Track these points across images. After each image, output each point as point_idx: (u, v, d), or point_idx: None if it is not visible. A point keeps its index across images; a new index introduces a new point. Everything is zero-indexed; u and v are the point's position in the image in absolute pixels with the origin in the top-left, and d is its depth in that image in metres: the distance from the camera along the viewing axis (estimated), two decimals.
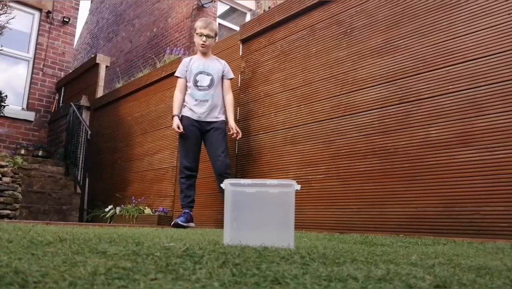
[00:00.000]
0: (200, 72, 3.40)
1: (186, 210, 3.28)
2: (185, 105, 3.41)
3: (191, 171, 3.33)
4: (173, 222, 3.26)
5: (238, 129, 3.39)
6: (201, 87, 3.36)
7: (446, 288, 0.70)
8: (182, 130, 3.32)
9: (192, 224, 3.30)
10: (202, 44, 3.42)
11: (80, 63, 9.60)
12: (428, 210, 2.39)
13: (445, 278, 0.78)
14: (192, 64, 3.45)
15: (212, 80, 3.38)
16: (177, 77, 3.50)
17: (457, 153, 2.32)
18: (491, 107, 2.23)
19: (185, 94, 3.44)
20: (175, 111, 3.40)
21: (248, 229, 1.37)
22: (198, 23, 3.48)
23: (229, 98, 3.45)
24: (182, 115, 3.40)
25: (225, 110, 3.48)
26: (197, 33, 3.46)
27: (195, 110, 3.34)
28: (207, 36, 3.41)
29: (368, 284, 0.69)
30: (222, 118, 3.39)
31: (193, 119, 3.34)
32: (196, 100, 3.35)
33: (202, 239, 1.62)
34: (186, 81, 3.45)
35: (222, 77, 3.46)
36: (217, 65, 3.47)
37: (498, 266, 0.99)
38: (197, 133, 3.35)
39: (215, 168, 3.31)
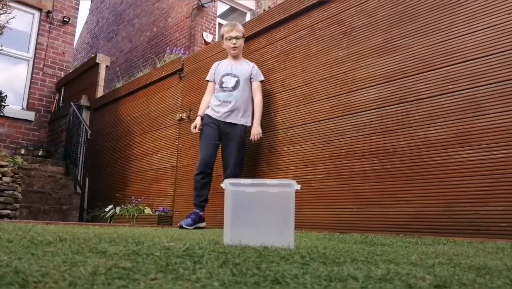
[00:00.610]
0: (227, 74, 3.39)
1: (196, 210, 3.24)
2: (209, 106, 3.42)
3: (207, 169, 3.28)
4: (179, 224, 3.20)
5: (257, 136, 3.30)
6: (226, 88, 3.35)
7: (446, 288, 0.70)
8: (197, 130, 3.35)
9: (202, 224, 3.25)
10: (233, 47, 3.40)
11: (80, 63, 9.61)
12: (428, 209, 2.39)
13: (445, 278, 0.78)
14: (220, 67, 3.46)
15: (237, 82, 3.34)
16: (207, 80, 3.52)
17: (456, 153, 2.32)
18: (490, 107, 2.23)
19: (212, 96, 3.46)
20: (199, 112, 3.45)
21: (248, 229, 1.37)
22: (224, 29, 3.47)
23: (257, 100, 3.39)
24: (205, 114, 3.40)
25: (252, 114, 3.41)
26: (226, 38, 3.43)
27: (217, 109, 3.32)
28: (236, 37, 3.40)
29: (368, 284, 0.70)
30: (243, 122, 3.32)
31: (214, 118, 3.33)
32: (219, 100, 3.34)
33: (202, 239, 1.62)
34: (215, 84, 3.46)
35: (251, 79, 3.42)
36: (245, 67, 3.43)
37: (498, 266, 0.99)
38: (217, 132, 3.32)
39: (225, 174, 3.33)
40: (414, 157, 2.51)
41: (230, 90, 3.33)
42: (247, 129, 3.37)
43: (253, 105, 3.41)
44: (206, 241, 1.44)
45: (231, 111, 3.30)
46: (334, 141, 2.98)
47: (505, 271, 0.90)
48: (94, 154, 5.89)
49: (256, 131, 3.30)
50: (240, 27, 3.47)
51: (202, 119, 3.38)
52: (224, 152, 3.34)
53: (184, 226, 3.09)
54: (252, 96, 3.42)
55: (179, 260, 0.89)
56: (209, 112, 3.37)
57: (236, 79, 3.36)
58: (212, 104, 3.37)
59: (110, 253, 0.96)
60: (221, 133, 3.32)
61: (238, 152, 3.30)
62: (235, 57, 3.47)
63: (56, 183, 5.65)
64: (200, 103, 3.59)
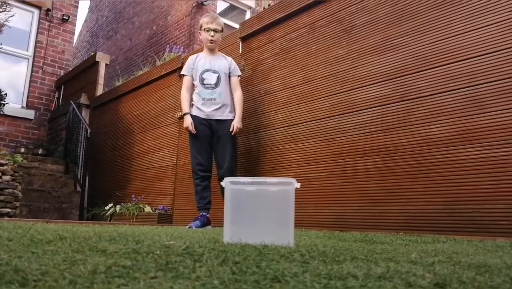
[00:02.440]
0: (207, 70, 3.31)
1: (203, 213, 3.19)
2: (193, 104, 3.33)
3: (205, 171, 3.23)
4: (187, 226, 3.11)
5: (238, 127, 3.26)
6: (208, 85, 3.28)
7: (446, 286, 0.70)
8: (194, 130, 3.22)
9: (209, 227, 3.18)
10: (211, 39, 3.33)
11: (80, 61, 9.60)
12: (428, 208, 2.39)
13: (445, 276, 0.78)
14: (198, 62, 3.37)
15: (218, 78, 3.29)
16: (183, 75, 3.42)
17: (458, 151, 2.32)
18: (492, 105, 2.23)
19: (192, 92, 3.36)
20: (185, 109, 3.30)
21: (248, 227, 1.37)
22: (204, 19, 3.40)
23: (237, 95, 3.35)
24: (191, 114, 3.30)
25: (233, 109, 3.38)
26: (204, 29, 3.36)
27: (203, 109, 3.26)
28: (215, 30, 3.32)
29: (368, 282, 0.69)
30: (232, 116, 3.30)
31: (202, 118, 3.25)
32: (203, 98, 3.26)
33: (202, 237, 1.62)
34: (193, 79, 3.37)
35: (230, 75, 3.37)
36: (223, 62, 3.38)
37: (498, 264, 0.99)
38: (208, 131, 3.26)
39: (219, 172, 3.26)
40: (416, 155, 2.51)
41: (213, 87, 3.28)
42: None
43: (232, 100, 3.37)
44: (206, 240, 1.44)
45: (218, 108, 3.26)
46: (336, 139, 2.98)
47: (505, 269, 0.90)
48: (94, 153, 5.90)
49: (238, 124, 3.26)
50: (220, 21, 3.41)
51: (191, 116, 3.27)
52: (217, 149, 3.28)
53: (194, 228, 3.01)
54: (231, 91, 3.37)
55: (179, 258, 0.89)
56: (195, 112, 3.28)
57: (216, 75, 3.30)
58: (197, 103, 3.29)
59: (110, 252, 0.96)
60: (212, 130, 3.27)
61: (231, 147, 3.26)
62: (212, 50, 3.40)
63: (56, 181, 5.65)
64: None
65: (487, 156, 2.20)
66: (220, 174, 3.23)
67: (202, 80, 3.30)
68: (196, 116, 3.28)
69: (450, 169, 2.33)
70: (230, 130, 3.25)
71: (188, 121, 3.26)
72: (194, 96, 3.35)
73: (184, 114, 3.31)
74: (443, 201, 2.33)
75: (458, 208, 2.27)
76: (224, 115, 3.29)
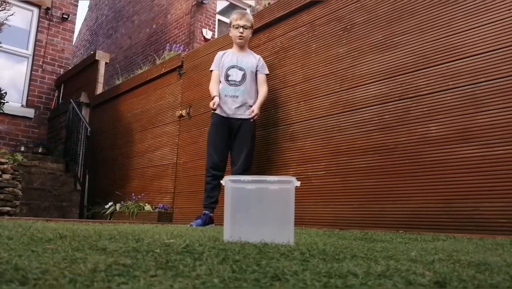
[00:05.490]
0: (232, 67, 3.26)
1: (206, 212, 3.16)
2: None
3: (219, 170, 3.19)
4: (189, 225, 3.08)
5: (256, 113, 3.16)
6: (232, 82, 3.23)
7: (446, 284, 0.70)
8: (216, 106, 3.13)
9: (211, 226, 3.13)
10: (240, 36, 3.28)
11: (80, 60, 9.59)
12: (428, 206, 2.39)
13: (445, 274, 0.78)
14: (225, 58, 3.33)
15: (244, 76, 3.23)
16: (212, 70, 3.37)
17: (457, 149, 2.32)
18: (491, 103, 2.23)
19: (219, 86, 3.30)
20: (214, 92, 3.22)
21: (248, 225, 1.37)
22: (233, 16, 3.36)
23: (262, 91, 3.27)
24: (212, 112, 3.27)
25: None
26: (233, 26, 3.32)
27: (225, 107, 3.20)
28: (244, 27, 3.27)
29: (368, 280, 0.70)
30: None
31: (223, 117, 3.21)
32: (225, 95, 3.21)
33: (202, 235, 1.62)
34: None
35: (257, 72, 3.31)
36: (251, 60, 3.32)
37: (498, 262, 0.99)
38: (226, 131, 3.21)
39: (233, 169, 3.22)
40: (415, 153, 2.51)
41: (237, 84, 3.22)
42: (256, 123, 3.29)
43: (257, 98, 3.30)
44: (206, 238, 1.44)
45: (240, 106, 3.20)
46: (335, 138, 2.98)
47: (505, 267, 0.90)
48: (94, 151, 5.90)
49: (257, 110, 3.18)
50: (250, 17, 3.38)
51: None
52: (234, 147, 3.23)
53: (194, 226, 2.96)
54: (257, 89, 3.30)
55: (179, 257, 0.89)
56: (217, 110, 3.22)
57: (242, 72, 3.25)
58: (219, 100, 3.23)
59: (110, 250, 0.96)
60: (231, 130, 3.22)
61: (249, 147, 3.21)
62: (241, 47, 3.35)
63: (56, 180, 5.66)
64: (200, 99, 3.53)
65: (487, 154, 2.20)
66: (233, 172, 3.18)
67: (227, 77, 3.25)
68: (217, 114, 3.24)
69: (450, 167, 2.33)
70: (248, 112, 3.17)
71: (214, 100, 3.15)
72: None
73: (213, 97, 3.21)
74: (443, 199, 2.33)
75: (458, 206, 2.27)
76: (246, 114, 3.21)
